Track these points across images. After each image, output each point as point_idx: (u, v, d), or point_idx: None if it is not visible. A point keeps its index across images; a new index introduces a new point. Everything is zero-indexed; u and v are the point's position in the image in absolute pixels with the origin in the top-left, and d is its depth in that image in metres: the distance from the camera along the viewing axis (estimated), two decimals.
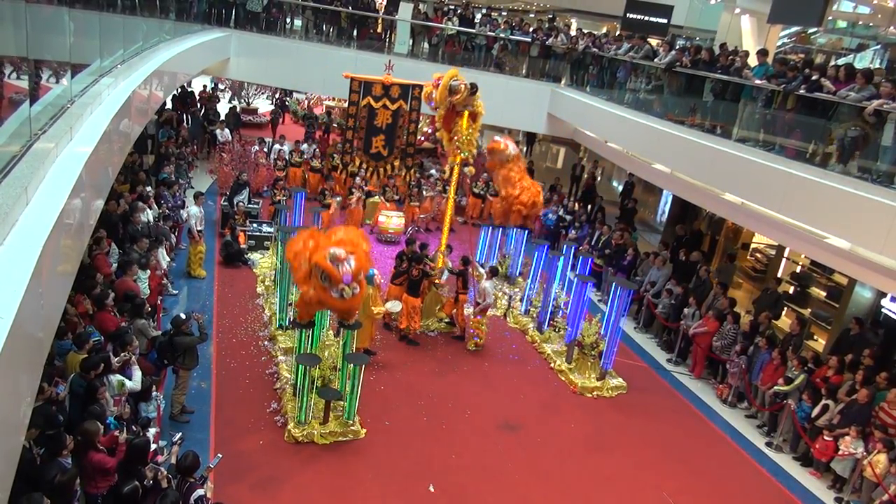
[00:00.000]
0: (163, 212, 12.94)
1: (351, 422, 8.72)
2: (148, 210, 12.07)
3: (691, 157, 12.26)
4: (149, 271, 9.99)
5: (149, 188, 13.11)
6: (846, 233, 9.14)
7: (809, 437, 9.68)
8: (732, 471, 9.47)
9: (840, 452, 9.05)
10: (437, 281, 11.92)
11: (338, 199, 15.95)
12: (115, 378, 6.95)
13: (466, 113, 12.16)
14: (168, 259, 11.96)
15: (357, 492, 7.74)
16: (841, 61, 15.92)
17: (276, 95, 27.68)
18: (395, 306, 11.00)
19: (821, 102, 10.10)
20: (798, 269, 14.82)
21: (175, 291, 11.89)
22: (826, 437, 9.30)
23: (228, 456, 7.52)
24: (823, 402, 9.54)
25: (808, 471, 9.67)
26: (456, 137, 12.36)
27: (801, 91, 10.43)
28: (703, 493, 8.79)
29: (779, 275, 14.74)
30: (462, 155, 12.39)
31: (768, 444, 10.20)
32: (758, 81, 11.50)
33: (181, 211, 13.83)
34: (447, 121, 12.55)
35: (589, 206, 18.38)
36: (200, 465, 6.14)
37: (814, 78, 10.36)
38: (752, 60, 12.62)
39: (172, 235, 12.97)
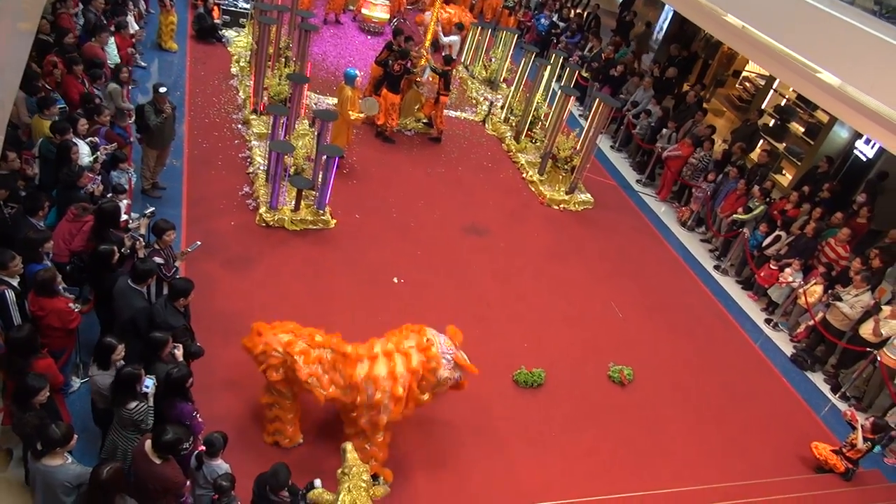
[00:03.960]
0: None
1: (322, 212, 8.91)
2: None
3: None
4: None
5: None
6: (839, 69, 8.95)
7: (756, 264, 10.26)
8: (679, 288, 10.12)
9: (780, 280, 9.68)
10: (418, 79, 11.56)
11: None
12: (86, 150, 6.87)
13: None
14: (137, 27, 11.28)
15: (325, 277, 8.13)
16: None
17: None
18: (371, 108, 10.30)
19: None
20: (783, 103, 14.66)
21: (144, 64, 11.38)
22: (772, 266, 9.87)
23: (200, 234, 7.76)
24: (777, 232, 9.99)
25: (747, 294, 10.39)
26: None
27: None
28: (647, 305, 9.43)
29: (763, 106, 14.60)
30: None
31: (716, 268, 10.81)
32: None
33: None
34: None
35: (584, 15, 17.39)
36: (175, 228, 6.25)
37: None
38: None
39: (141, 0, 12.12)
